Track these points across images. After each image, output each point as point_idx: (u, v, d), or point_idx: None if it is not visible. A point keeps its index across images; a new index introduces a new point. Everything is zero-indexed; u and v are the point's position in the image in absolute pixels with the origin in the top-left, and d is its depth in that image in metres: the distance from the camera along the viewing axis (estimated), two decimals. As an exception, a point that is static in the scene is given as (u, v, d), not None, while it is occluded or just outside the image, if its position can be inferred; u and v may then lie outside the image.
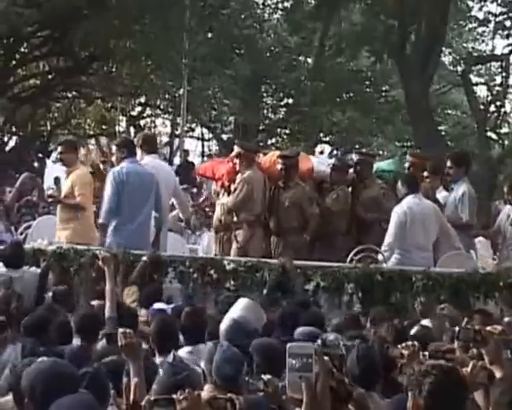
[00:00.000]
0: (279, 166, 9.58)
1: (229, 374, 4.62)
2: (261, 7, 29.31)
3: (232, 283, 8.28)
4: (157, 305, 7.23)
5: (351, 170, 10.02)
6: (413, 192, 9.11)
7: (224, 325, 5.99)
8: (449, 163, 9.67)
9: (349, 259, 8.79)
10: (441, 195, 9.88)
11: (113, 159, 9.81)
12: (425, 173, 9.74)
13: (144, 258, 8.37)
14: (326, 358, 3.77)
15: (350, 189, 9.93)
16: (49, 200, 10.30)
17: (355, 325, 6.73)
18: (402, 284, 8.15)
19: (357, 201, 9.79)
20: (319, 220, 9.49)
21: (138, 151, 9.50)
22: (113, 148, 9.30)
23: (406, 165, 10.24)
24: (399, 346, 4.87)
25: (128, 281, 8.05)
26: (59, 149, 10.41)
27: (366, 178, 9.89)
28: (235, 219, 9.56)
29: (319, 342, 4.73)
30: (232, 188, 9.70)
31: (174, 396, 3.49)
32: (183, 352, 5.94)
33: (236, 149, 9.73)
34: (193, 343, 6.06)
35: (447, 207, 9.55)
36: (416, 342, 4.87)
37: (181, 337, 6.17)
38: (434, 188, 9.86)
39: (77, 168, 9.99)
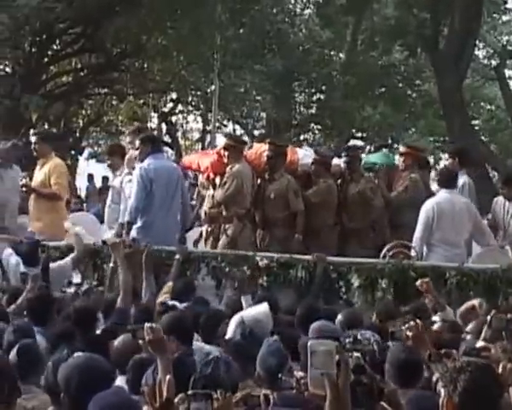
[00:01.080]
0: (266, 154, 9.55)
1: (274, 367, 4.65)
2: (293, 1, 29.27)
3: (265, 279, 8.28)
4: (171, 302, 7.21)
5: (337, 162, 9.92)
6: (448, 187, 9.07)
7: (233, 323, 5.97)
8: (446, 156, 9.83)
9: (382, 254, 8.76)
10: (434, 188, 9.89)
11: (132, 153, 9.69)
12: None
13: (177, 256, 8.38)
14: (356, 354, 3.76)
15: (339, 181, 9.84)
16: (23, 189, 10.08)
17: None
18: (435, 280, 8.10)
19: (345, 194, 9.70)
20: (304, 215, 9.44)
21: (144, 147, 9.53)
22: (137, 143, 9.22)
23: (400, 151, 10.07)
24: (403, 327, 4.85)
25: (166, 279, 8.06)
26: (33, 139, 10.32)
27: (355, 172, 9.77)
28: (224, 213, 9.49)
29: (350, 338, 4.73)
30: (218, 181, 9.66)
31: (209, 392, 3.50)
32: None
33: (225, 140, 9.70)
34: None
35: None
36: (419, 321, 4.85)
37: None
38: (426, 182, 9.93)
39: (51, 158, 9.96)
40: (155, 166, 8.88)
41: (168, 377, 3.34)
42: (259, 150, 9.88)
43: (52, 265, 8.09)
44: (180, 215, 9.11)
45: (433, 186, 9.97)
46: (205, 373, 4.50)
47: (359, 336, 4.85)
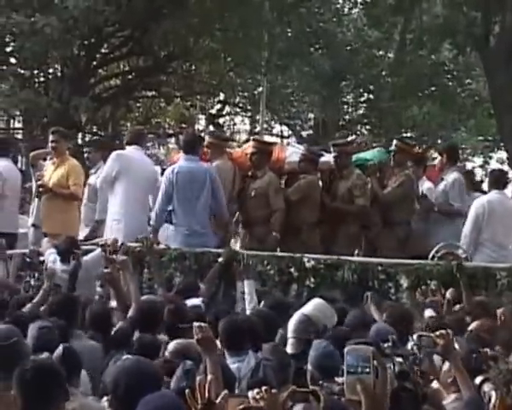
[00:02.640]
0: (250, 151, 9.50)
1: (330, 368, 4.61)
2: (340, 1, 29.15)
3: (312, 280, 8.25)
4: (190, 301, 7.21)
5: (325, 159, 9.79)
6: (498, 188, 8.99)
7: (292, 321, 5.97)
8: (440, 155, 9.83)
9: (431, 255, 8.68)
10: (425, 186, 9.83)
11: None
12: (409, 163, 9.75)
13: (220, 259, 8.36)
14: (398, 359, 3.71)
15: (330, 178, 9.76)
16: (40, 189, 10.11)
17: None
18: (486, 281, 8.01)
19: (334, 192, 9.60)
20: (283, 214, 9.37)
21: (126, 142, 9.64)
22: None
23: (393, 148, 9.90)
24: (433, 335, 4.79)
25: (204, 280, 8.07)
26: (51, 137, 10.32)
27: (344, 168, 9.64)
28: None
29: (389, 342, 4.68)
30: None
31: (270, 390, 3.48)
32: None
33: (207, 138, 9.64)
34: None
35: (437, 197, 9.51)
36: (449, 331, 4.79)
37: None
38: (418, 178, 9.82)
39: (67, 158, 9.97)
40: (179, 170, 8.89)
41: (210, 377, 3.32)
42: (247, 149, 9.84)
43: (85, 258, 8.13)
44: (216, 215, 9.04)
45: (424, 185, 9.97)
46: (257, 379, 4.51)
47: (397, 340, 4.79)
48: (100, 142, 10.63)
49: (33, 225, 10.18)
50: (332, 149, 9.76)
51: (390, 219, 9.47)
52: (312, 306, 6.09)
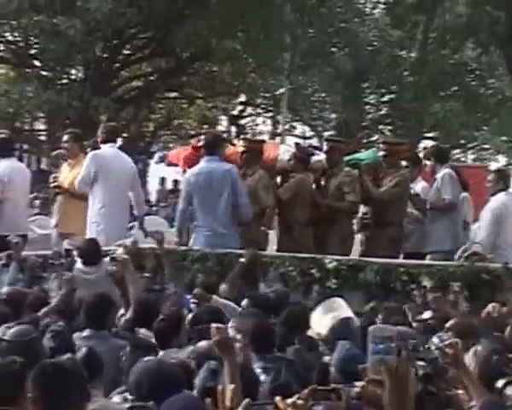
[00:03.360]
0: (240, 150, 9.48)
1: (353, 373, 4.54)
2: (362, 1, 29.11)
3: (334, 281, 8.22)
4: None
5: (318, 158, 9.71)
6: (507, 189, 9.08)
7: (327, 325, 5.88)
8: (427, 158, 9.76)
9: (457, 256, 8.63)
10: (420, 186, 9.76)
11: None
12: (404, 163, 9.68)
13: (243, 259, 8.34)
14: (420, 363, 3.65)
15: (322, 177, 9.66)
16: (56, 190, 10.09)
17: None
18: (510, 281, 7.94)
19: (325, 190, 9.51)
20: (274, 211, 9.35)
21: (99, 138, 9.55)
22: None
23: (381, 152, 9.81)
24: (441, 345, 4.71)
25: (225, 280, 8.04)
26: (64, 138, 10.28)
27: (335, 166, 9.53)
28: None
29: (410, 346, 4.62)
30: None
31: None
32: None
33: (202, 138, 9.56)
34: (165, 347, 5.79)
35: (432, 195, 9.41)
36: (458, 340, 4.70)
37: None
38: (413, 178, 9.75)
39: (82, 159, 9.85)
40: (199, 171, 8.86)
41: (233, 386, 3.26)
42: (237, 148, 9.81)
43: (106, 259, 8.11)
44: (240, 215, 9.01)
45: (419, 185, 9.89)
46: (281, 382, 4.47)
47: (418, 343, 4.73)
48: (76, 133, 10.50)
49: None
50: (325, 144, 9.74)
51: (383, 219, 9.40)
52: (339, 307, 5.98)
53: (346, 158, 9.83)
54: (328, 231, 9.34)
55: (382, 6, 27.71)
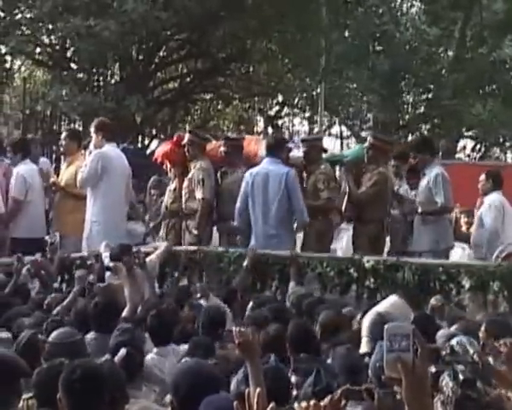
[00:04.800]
0: (222, 150, 9.44)
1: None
2: (398, 0, 28.99)
3: (372, 281, 8.19)
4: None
5: (297, 153, 9.58)
6: (499, 188, 9.24)
7: (367, 320, 5.88)
8: (412, 152, 9.37)
9: (494, 256, 8.56)
10: (403, 188, 9.62)
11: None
12: (393, 161, 9.57)
13: (245, 263, 8.35)
14: (460, 367, 3.60)
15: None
16: (52, 188, 10.05)
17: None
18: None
19: (304, 188, 9.37)
20: None
21: (97, 136, 9.52)
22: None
23: (366, 144, 9.62)
24: (497, 343, 4.65)
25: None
26: (62, 135, 10.29)
27: (312, 164, 9.41)
28: (184, 208, 9.44)
29: (447, 349, 4.55)
30: (173, 172, 9.71)
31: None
32: (151, 354, 5.80)
33: (187, 136, 9.56)
34: (160, 344, 5.91)
35: (420, 194, 9.15)
36: None
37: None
38: (401, 175, 9.66)
39: (78, 157, 9.92)
40: (257, 171, 8.88)
41: (258, 390, 3.25)
42: (218, 143, 9.81)
43: None
44: (295, 218, 8.99)
45: (402, 188, 9.74)
46: (321, 386, 4.45)
47: (457, 347, 4.68)
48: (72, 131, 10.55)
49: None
50: (301, 145, 9.68)
51: (362, 217, 9.32)
52: (388, 303, 5.95)
53: (331, 155, 9.91)
54: (307, 228, 9.27)
55: (419, 4, 27.61)
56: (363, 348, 5.60)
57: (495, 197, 9.39)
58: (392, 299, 6.15)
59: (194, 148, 9.48)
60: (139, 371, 5.12)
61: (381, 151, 9.41)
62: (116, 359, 5.04)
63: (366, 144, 9.59)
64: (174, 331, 6.09)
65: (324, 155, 9.69)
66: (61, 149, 10.49)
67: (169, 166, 9.91)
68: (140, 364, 5.15)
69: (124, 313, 6.63)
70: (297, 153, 9.65)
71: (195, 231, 9.25)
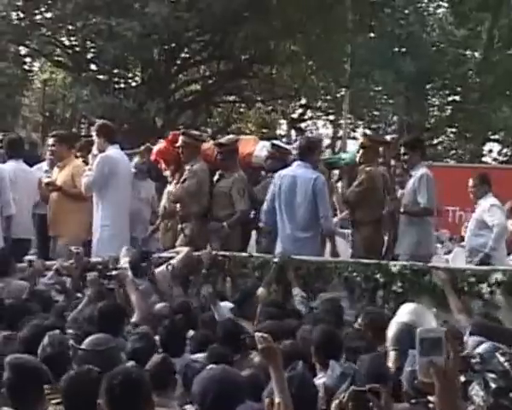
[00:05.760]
0: (217, 157, 9.44)
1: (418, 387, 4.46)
2: (425, 1, 28.93)
3: (399, 285, 8.19)
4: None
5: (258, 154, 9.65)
6: (491, 190, 9.45)
7: (391, 331, 5.85)
8: (403, 149, 9.26)
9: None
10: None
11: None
12: (392, 161, 9.55)
13: (275, 259, 8.36)
14: (491, 375, 3.59)
15: None
16: (49, 188, 9.93)
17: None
18: None
19: None
20: (245, 215, 9.31)
21: (99, 139, 9.52)
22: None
23: (360, 143, 9.57)
24: None
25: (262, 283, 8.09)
26: (49, 141, 10.21)
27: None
28: (179, 211, 9.44)
29: (477, 358, 4.54)
30: (168, 173, 9.71)
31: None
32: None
33: (181, 138, 9.51)
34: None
35: (406, 196, 9.08)
36: None
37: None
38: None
39: (71, 160, 9.89)
40: (285, 173, 8.90)
41: (280, 399, 3.28)
42: (211, 145, 9.83)
43: (157, 269, 8.17)
44: (321, 225, 9.00)
45: None
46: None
47: (485, 355, 4.66)
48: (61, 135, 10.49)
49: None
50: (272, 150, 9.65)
51: (356, 220, 9.29)
52: (409, 312, 5.89)
53: (327, 157, 9.99)
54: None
55: (446, 5, 27.54)
56: (392, 363, 5.52)
57: (493, 199, 9.46)
58: (411, 307, 6.09)
59: (189, 150, 9.45)
60: (173, 379, 5.11)
61: (373, 151, 9.38)
62: (149, 365, 5.05)
63: (359, 145, 9.58)
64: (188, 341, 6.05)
65: (321, 158, 9.70)
66: (48, 154, 10.35)
67: (163, 165, 9.90)
68: (173, 371, 5.13)
69: (133, 319, 6.67)
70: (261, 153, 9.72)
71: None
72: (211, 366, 4.72)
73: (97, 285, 7.35)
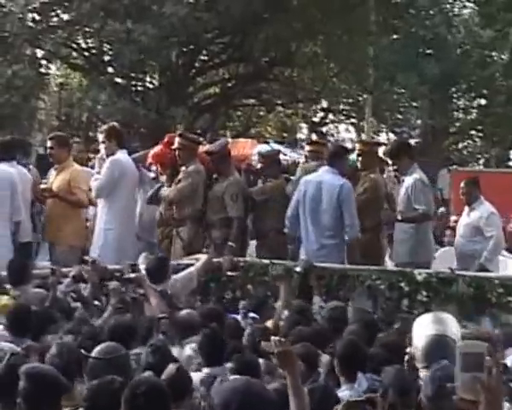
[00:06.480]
0: (211, 164, 9.50)
1: (429, 395, 4.41)
2: (450, 1, 28.82)
3: (424, 294, 8.16)
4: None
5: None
6: (481, 195, 9.63)
7: (419, 346, 5.68)
8: (388, 160, 9.34)
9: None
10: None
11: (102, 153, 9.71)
12: (391, 164, 9.38)
13: (298, 269, 8.34)
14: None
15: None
16: (45, 194, 9.87)
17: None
18: None
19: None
20: (241, 222, 9.32)
21: (110, 142, 9.50)
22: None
23: (357, 149, 9.65)
24: None
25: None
26: (48, 143, 10.18)
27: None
28: (175, 214, 9.42)
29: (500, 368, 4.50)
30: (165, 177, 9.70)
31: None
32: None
33: (178, 140, 9.50)
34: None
35: (400, 203, 9.04)
36: None
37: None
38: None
39: (69, 164, 9.85)
40: (311, 180, 8.89)
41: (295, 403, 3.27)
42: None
43: (176, 276, 8.18)
44: (346, 233, 8.97)
45: None
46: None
47: (509, 363, 4.63)
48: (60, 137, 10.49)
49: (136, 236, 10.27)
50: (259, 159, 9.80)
51: (361, 225, 9.29)
52: (433, 321, 5.77)
53: None
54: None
55: (472, 5, 27.42)
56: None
57: (490, 206, 9.50)
58: (432, 316, 5.98)
59: (185, 152, 9.45)
60: (189, 390, 5.09)
61: (371, 155, 9.46)
62: (165, 375, 5.03)
63: (357, 151, 9.65)
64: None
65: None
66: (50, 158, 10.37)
67: (159, 169, 9.91)
68: (190, 381, 5.12)
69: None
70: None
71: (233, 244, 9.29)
72: (234, 376, 4.70)
73: (120, 294, 7.36)
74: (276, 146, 10.51)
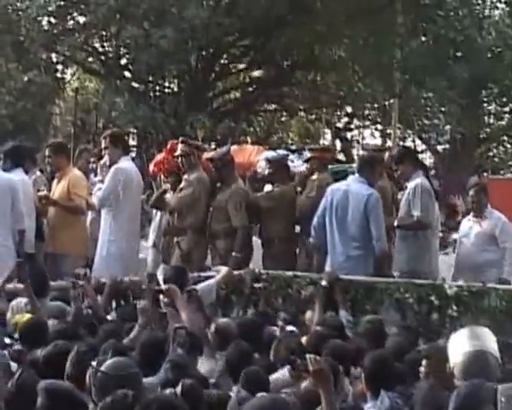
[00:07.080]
0: (213, 170, 9.56)
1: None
2: (480, 2, 28.73)
3: (455, 308, 8.13)
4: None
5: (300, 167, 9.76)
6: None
7: (458, 363, 5.57)
8: (393, 165, 9.36)
9: None
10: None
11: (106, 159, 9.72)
12: (393, 167, 9.43)
13: (324, 282, 8.32)
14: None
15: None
16: (43, 202, 9.88)
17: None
18: None
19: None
20: (245, 231, 9.36)
21: (115, 149, 9.54)
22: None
23: (305, 157, 9.85)
24: None
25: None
26: (46, 151, 10.24)
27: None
28: (176, 222, 9.51)
29: None
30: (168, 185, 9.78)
31: None
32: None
33: (180, 147, 9.56)
34: None
35: (401, 208, 9.06)
36: None
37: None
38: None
39: (69, 171, 9.89)
40: (337, 188, 8.88)
41: None
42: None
43: (195, 287, 8.18)
44: (375, 248, 8.82)
45: None
46: None
47: None
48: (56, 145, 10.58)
49: (154, 244, 10.31)
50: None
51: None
52: (470, 336, 5.69)
53: (335, 167, 10.14)
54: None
55: (503, 6, 27.32)
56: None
57: (501, 215, 9.44)
58: (468, 331, 5.93)
59: (188, 159, 9.53)
60: (203, 406, 5.10)
61: (321, 160, 9.62)
62: (178, 391, 5.04)
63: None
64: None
65: (330, 167, 9.91)
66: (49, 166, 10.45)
67: (163, 177, 9.98)
68: (203, 399, 5.14)
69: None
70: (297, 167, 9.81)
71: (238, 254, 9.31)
72: (260, 394, 4.71)
73: (147, 314, 7.36)
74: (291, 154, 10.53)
